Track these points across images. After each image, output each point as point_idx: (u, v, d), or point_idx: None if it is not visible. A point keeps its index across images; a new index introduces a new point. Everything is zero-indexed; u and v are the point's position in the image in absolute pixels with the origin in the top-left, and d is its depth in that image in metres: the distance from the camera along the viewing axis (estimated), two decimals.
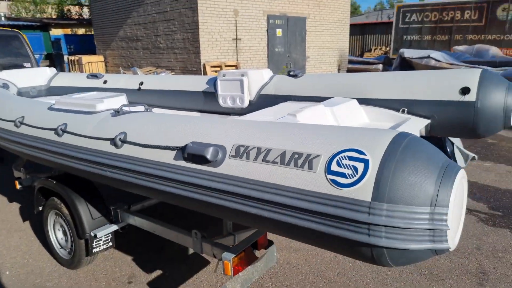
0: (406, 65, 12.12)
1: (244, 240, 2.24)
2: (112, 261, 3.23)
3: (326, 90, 3.39)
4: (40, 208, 3.28)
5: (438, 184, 1.29)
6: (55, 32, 22.69)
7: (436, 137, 5.13)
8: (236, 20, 11.77)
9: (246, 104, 3.86)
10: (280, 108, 3.18)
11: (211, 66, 11.34)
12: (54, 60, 19.81)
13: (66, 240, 3.12)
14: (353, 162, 1.36)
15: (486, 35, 15.15)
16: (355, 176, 1.33)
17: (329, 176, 1.38)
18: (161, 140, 1.98)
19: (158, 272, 3.06)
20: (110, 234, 2.89)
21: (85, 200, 2.82)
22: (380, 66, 15.75)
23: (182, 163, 1.83)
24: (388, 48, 25.31)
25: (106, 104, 2.57)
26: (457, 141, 5.19)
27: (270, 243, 2.37)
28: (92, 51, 19.07)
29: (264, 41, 12.56)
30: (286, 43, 13.12)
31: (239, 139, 1.71)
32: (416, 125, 2.84)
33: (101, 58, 16.10)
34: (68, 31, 23.66)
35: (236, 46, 11.99)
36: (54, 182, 2.95)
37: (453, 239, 1.36)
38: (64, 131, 2.49)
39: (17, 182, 3.80)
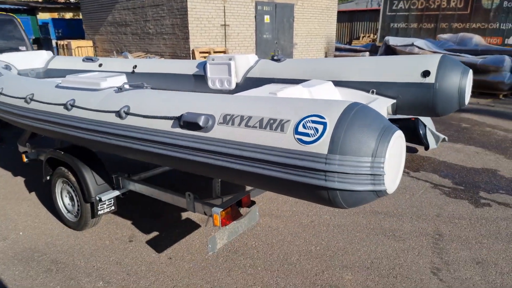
0: (391, 52, 12.52)
1: (230, 199, 2.65)
2: (113, 224, 3.62)
3: (305, 74, 3.77)
4: (48, 178, 3.63)
5: (378, 141, 1.70)
6: (42, 16, 22.52)
7: (410, 119, 5.58)
8: (224, 6, 12.00)
9: (233, 86, 4.23)
10: (264, 89, 3.55)
11: (200, 52, 11.60)
12: (42, 45, 19.72)
13: (73, 205, 3.49)
14: (315, 124, 1.75)
15: (470, 24, 15.59)
16: (316, 135, 1.73)
17: (296, 136, 1.78)
18: (159, 112, 2.35)
19: (155, 233, 3.46)
20: (112, 199, 3.27)
21: (90, 168, 3.19)
22: (367, 54, 16.15)
23: (178, 130, 2.21)
24: (376, 36, 25.68)
25: (109, 82, 2.92)
26: (429, 124, 5.66)
27: (253, 203, 2.78)
28: (80, 35, 19.07)
29: (252, 27, 12.82)
30: (274, 30, 13.40)
31: (226, 109, 2.09)
32: (383, 104, 3.24)
33: (90, 43, 16.17)
34: (56, 15, 23.51)
35: (225, 32, 12.24)
36: (62, 153, 3.30)
37: (390, 184, 1.77)
38: (72, 106, 2.84)
39: (24, 156, 4.13)
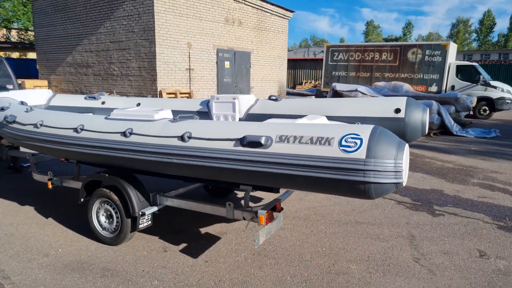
0: (338, 96, 14.12)
1: (268, 204, 3.36)
2: (143, 239, 4.09)
3: (301, 110, 4.67)
4: (82, 200, 4.06)
5: (397, 149, 2.57)
6: None
7: None
8: (189, 52, 12.93)
9: (237, 121, 5.01)
10: (271, 121, 4.38)
11: (167, 93, 12.27)
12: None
13: (110, 223, 3.93)
14: (353, 139, 2.59)
15: (400, 74, 17.98)
16: (355, 146, 2.56)
17: (341, 148, 2.60)
18: (220, 135, 3.05)
19: (184, 245, 3.99)
20: (150, 214, 3.79)
21: (134, 187, 3.72)
22: (313, 97, 17.81)
23: (240, 148, 2.93)
24: (317, 82, 28.03)
25: (161, 115, 3.57)
26: None
27: (281, 209, 3.50)
28: (30, 75, 18.82)
29: (214, 71, 13.83)
30: (233, 74, 14.52)
31: (281, 131, 2.86)
32: None
33: (45, 82, 16.13)
34: (1, 54, 22.89)
35: (189, 76, 13.08)
36: (107, 175, 3.80)
37: (404, 178, 2.63)
38: (131, 133, 3.43)
39: (49, 182, 4.49)
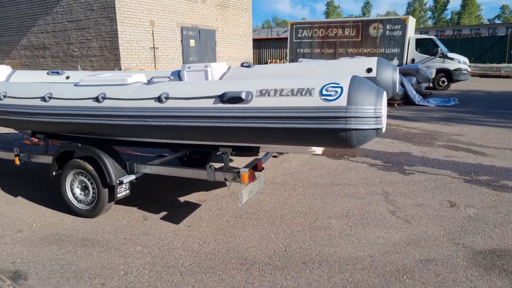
0: None
1: (249, 163, 3.35)
2: (122, 211, 4.00)
3: (275, 75, 4.66)
4: (54, 173, 3.89)
5: (376, 96, 2.62)
6: None
7: None
8: (153, 30, 12.54)
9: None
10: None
11: None
12: None
13: (85, 194, 3.81)
14: (334, 88, 2.61)
15: (362, 49, 18.29)
16: (336, 95, 2.59)
17: (322, 97, 2.62)
18: (198, 93, 2.99)
19: (164, 213, 3.94)
20: (128, 183, 3.70)
21: (109, 155, 3.61)
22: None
23: (220, 105, 2.89)
24: (283, 61, 28.04)
25: (134, 78, 3.45)
26: None
27: (262, 168, 3.52)
28: None
29: (179, 50, 13.52)
30: (199, 53, 14.26)
31: (261, 86, 2.84)
32: None
33: None
34: None
35: (154, 55, 12.73)
36: (80, 145, 3.66)
37: (384, 124, 2.69)
38: (104, 98, 3.30)
39: (17, 158, 4.27)
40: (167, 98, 3.08)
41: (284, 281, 2.74)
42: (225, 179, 3.42)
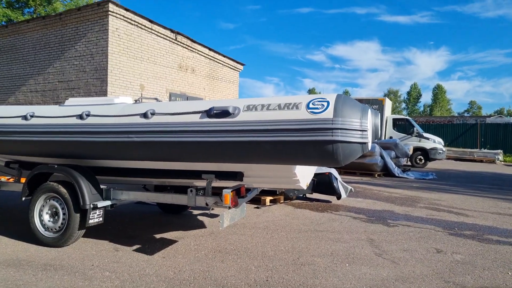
0: None
1: (233, 186, 3.24)
2: (91, 243, 3.71)
3: None
4: (23, 199, 3.66)
5: (361, 111, 2.66)
6: None
7: (325, 174, 6.78)
8: (142, 94, 12.86)
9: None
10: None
11: None
12: None
13: (55, 221, 3.55)
14: (320, 102, 2.66)
15: None
16: (323, 108, 2.62)
17: (309, 110, 2.65)
18: (185, 109, 2.98)
19: (137, 246, 3.67)
20: (102, 210, 3.49)
21: (86, 178, 3.44)
22: None
23: (207, 119, 2.88)
24: None
25: (121, 99, 3.45)
26: (339, 178, 6.95)
27: (245, 196, 3.40)
28: None
29: None
30: None
31: (247, 102, 2.87)
32: None
33: None
34: None
35: None
36: (56, 166, 3.51)
37: (369, 140, 2.70)
38: (88, 115, 3.26)
39: None
40: (153, 114, 3.07)
41: None
42: (206, 204, 3.28)
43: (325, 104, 2.65)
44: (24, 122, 3.48)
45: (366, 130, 2.63)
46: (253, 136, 2.73)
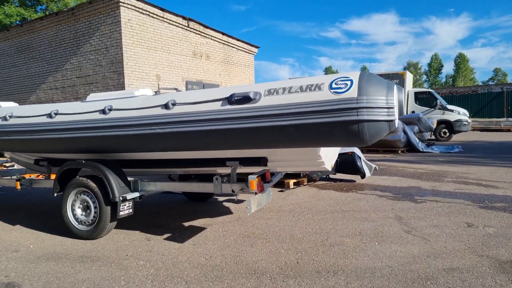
0: None
1: (257, 172, 3.25)
2: (123, 234, 3.81)
3: None
4: (55, 194, 3.78)
5: (387, 87, 2.60)
6: None
7: (348, 153, 6.71)
8: (158, 84, 12.95)
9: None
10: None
11: None
12: None
13: (87, 215, 3.65)
14: (344, 81, 2.60)
15: None
16: (346, 87, 2.57)
17: (332, 90, 2.60)
18: (205, 97, 2.98)
19: (168, 234, 3.75)
20: (131, 201, 3.57)
21: (113, 172, 3.51)
22: None
23: (228, 106, 2.87)
24: None
25: (141, 92, 3.47)
26: (362, 157, 6.87)
27: (271, 180, 3.40)
28: None
29: None
30: None
31: (268, 86, 2.84)
32: None
33: None
34: None
35: None
36: (84, 161, 3.59)
37: (396, 117, 2.63)
38: (110, 110, 3.30)
39: (18, 183, 4.17)
40: (174, 104, 3.08)
41: None
42: (233, 191, 3.30)
43: (349, 83, 2.59)
44: (49, 120, 3.56)
45: (392, 108, 2.56)
46: (276, 121, 2.70)
